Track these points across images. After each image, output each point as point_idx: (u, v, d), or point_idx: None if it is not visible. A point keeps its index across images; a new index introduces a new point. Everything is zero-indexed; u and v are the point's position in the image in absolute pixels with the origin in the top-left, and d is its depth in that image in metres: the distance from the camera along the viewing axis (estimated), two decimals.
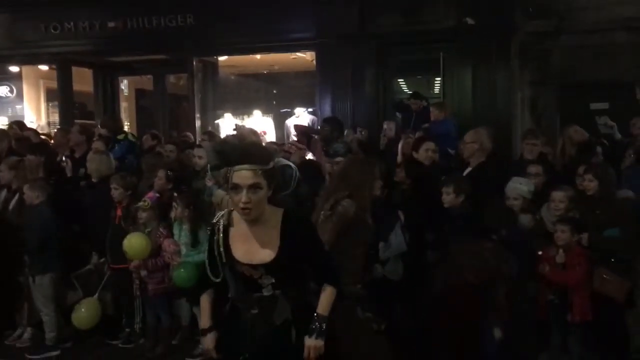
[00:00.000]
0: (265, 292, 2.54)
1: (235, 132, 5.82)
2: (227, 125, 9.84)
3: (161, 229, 5.12)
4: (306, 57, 10.27)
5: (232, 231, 2.57)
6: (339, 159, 4.72)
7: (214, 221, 2.63)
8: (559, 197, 4.48)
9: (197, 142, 7.44)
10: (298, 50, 9.98)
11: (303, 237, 2.54)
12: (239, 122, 10.00)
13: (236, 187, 2.43)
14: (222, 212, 2.64)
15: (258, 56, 10.57)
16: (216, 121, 10.20)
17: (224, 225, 2.59)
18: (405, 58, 9.13)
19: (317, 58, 9.22)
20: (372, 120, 8.45)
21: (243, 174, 2.42)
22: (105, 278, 5.35)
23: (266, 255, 2.50)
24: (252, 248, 2.52)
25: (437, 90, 10.63)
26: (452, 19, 8.20)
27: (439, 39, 8.47)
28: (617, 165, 5.06)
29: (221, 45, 9.49)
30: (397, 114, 8.25)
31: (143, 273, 5.09)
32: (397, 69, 9.41)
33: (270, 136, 10.26)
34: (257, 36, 8.97)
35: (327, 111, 8.97)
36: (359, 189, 3.62)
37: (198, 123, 9.88)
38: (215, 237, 2.59)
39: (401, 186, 4.94)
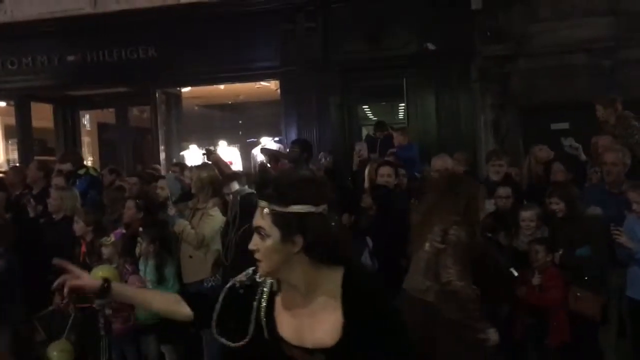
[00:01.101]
0: None
1: (205, 158, 5.74)
2: (192, 156, 9.74)
3: (127, 265, 4.97)
4: (270, 86, 10.28)
5: (278, 299, 1.81)
6: None
7: (256, 277, 1.83)
8: (529, 216, 4.52)
9: (166, 174, 7.33)
10: (262, 80, 9.99)
11: (371, 316, 1.70)
12: (211, 147, 9.89)
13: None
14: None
15: (222, 86, 10.54)
16: (181, 153, 10.08)
17: (272, 290, 1.82)
18: (369, 84, 9.21)
19: (282, 86, 9.22)
20: (338, 146, 8.46)
21: (257, 212, 1.75)
22: (71, 318, 5.15)
23: (325, 336, 1.71)
24: (303, 324, 1.75)
25: (401, 115, 10.76)
26: (414, 45, 8.33)
27: (402, 64, 8.58)
28: (583, 184, 5.14)
29: (184, 76, 9.42)
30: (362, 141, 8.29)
31: (107, 312, 4.91)
32: (362, 95, 9.49)
33: (237, 166, 10.18)
34: (220, 66, 8.94)
35: (292, 139, 8.94)
36: (468, 212, 3.44)
37: (162, 155, 9.75)
38: (253, 301, 1.81)
39: (368, 212, 4.91)
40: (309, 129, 8.92)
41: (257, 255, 1.72)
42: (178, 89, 10.30)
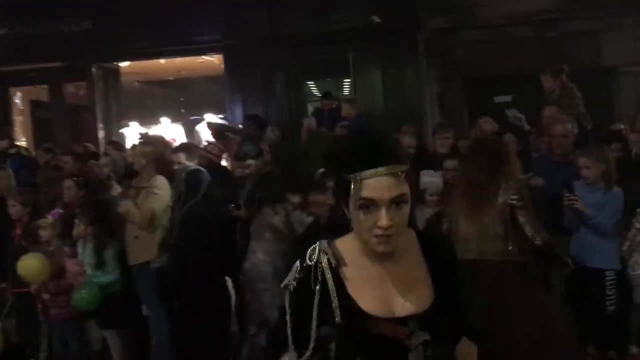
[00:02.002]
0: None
1: (139, 142, 5.50)
2: (133, 134, 9.38)
3: (65, 248, 4.72)
4: (214, 60, 9.99)
5: (347, 273, 1.60)
6: (249, 161, 4.54)
7: (308, 262, 1.60)
8: None
9: (102, 153, 7.03)
10: (205, 54, 9.70)
11: (451, 268, 1.69)
12: (145, 130, 9.56)
13: (368, 205, 1.50)
14: (316, 246, 1.62)
15: (162, 61, 10.17)
16: (121, 130, 9.70)
17: (332, 266, 1.59)
18: (316, 59, 9.08)
19: (226, 61, 8.98)
20: (284, 123, 8.32)
21: (380, 182, 1.48)
22: (9, 304, 4.89)
23: (418, 301, 1.60)
24: (391, 295, 1.60)
25: (346, 91, 10.70)
26: (359, 18, 8.24)
27: (348, 38, 8.49)
28: (528, 154, 5.19)
29: (122, 50, 9.04)
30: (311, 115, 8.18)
31: (45, 297, 4.67)
32: (308, 70, 9.36)
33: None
34: (161, 40, 8.63)
35: (238, 116, 8.76)
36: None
37: (101, 133, 9.38)
38: (316, 287, 1.57)
39: None
40: (255, 105, 8.75)
41: (389, 232, 1.49)
42: (116, 63, 9.88)
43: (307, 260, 1.59)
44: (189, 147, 5.02)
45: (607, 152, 4.24)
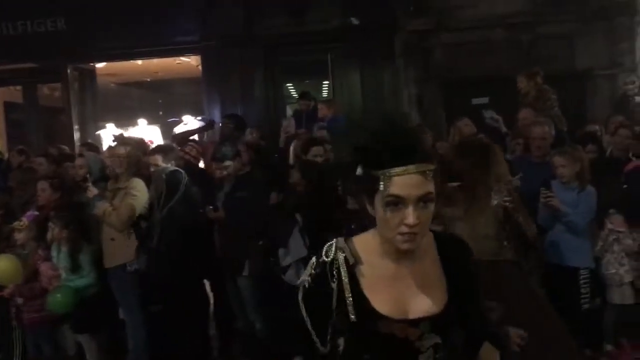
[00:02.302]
0: None
1: (115, 143, 5.41)
2: (109, 136, 9.25)
3: (40, 251, 4.63)
4: (191, 62, 9.91)
5: (363, 271, 1.59)
6: (227, 162, 4.50)
7: (324, 258, 1.60)
8: (453, 188, 4.55)
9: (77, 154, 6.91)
10: (182, 55, 9.61)
11: (467, 271, 1.67)
12: (122, 132, 9.44)
13: (396, 202, 1.49)
14: (333, 243, 1.62)
15: (139, 62, 10.05)
16: (97, 132, 9.56)
17: (348, 264, 1.58)
18: (294, 60, 9.06)
19: (203, 62, 8.91)
20: (263, 124, 8.28)
21: (409, 180, 1.48)
22: None
23: (431, 303, 1.59)
24: (405, 296, 1.60)
25: (325, 93, 10.69)
26: (337, 19, 8.24)
27: (326, 39, 8.49)
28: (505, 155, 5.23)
29: (98, 51, 8.89)
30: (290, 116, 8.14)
31: (19, 301, 4.57)
32: (286, 71, 9.33)
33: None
34: (137, 40, 8.50)
35: (216, 118, 8.68)
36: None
37: (77, 135, 9.22)
38: (332, 285, 1.58)
39: (296, 188, 4.79)
40: (233, 106, 8.69)
41: (415, 229, 1.49)
42: (92, 64, 9.73)
43: (324, 257, 1.59)
44: (166, 149, 4.97)
45: (582, 152, 4.32)
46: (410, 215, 1.48)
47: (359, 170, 1.55)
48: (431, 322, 1.58)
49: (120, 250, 4.49)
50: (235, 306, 4.70)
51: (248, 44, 8.42)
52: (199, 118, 9.80)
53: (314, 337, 1.61)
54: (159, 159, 4.66)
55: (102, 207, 4.40)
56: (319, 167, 4.87)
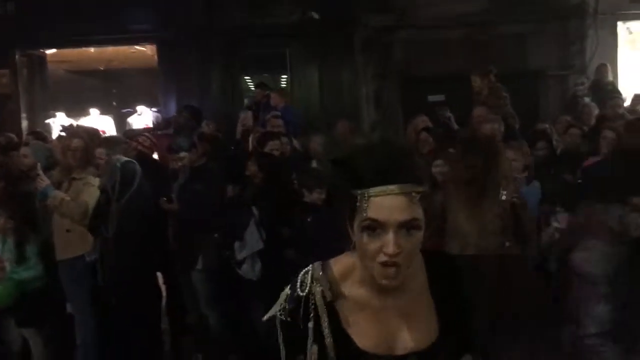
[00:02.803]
0: None
1: (64, 134, 5.23)
2: (59, 125, 8.98)
3: None
4: (147, 51, 9.70)
5: (343, 305, 1.42)
6: (183, 154, 4.42)
7: (299, 292, 1.43)
8: None
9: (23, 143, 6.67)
10: (137, 44, 9.39)
11: (459, 294, 1.48)
12: (74, 122, 9.17)
13: (374, 227, 1.31)
14: (308, 273, 1.44)
15: (92, 50, 9.78)
16: (47, 121, 9.26)
17: (326, 300, 1.41)
18: (252, 52, 8.97)
19: (159, 52, 8.72)
20: (220, 117, 8.17)
21: (390, 202, 1.29)
22: None
23: (419, 336, 1.42)
24: (390, 330, 1.42)
25: (284, 87, 10.65)
26: (297, 13, 8.20)
27: (285, 33, 8.43)
28: None
29: (48, 36, 8.59)
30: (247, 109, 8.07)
31: None
32: (245, 66, 9.23)
33: None
34: (90, 27, 8.26)
35: (172, 110, 8.54)
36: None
37: (25, 123, 8.91)
38: (308, 324, 1.41)
39: (253, 181, 4.75)
40: (189, 98, 8.55)
41: (396, 259, 1.29)
42: (41, 51, 9.40)
43: (299, 290, 1.42)
44: (110, 140, 4.84)
45: (527, 148, 4.49)
46: (390, 243, 1.29)
47: (336, 188, 1.40)
48: (419, 358, 1.42)
49: (76, 241, 4.35)
50: (188, 300, 4.63)
51: (206, 34, 8.29)
52: (155, 109, 9.65)
53: None
54: (102, 152, 4.55)
55: (57, 197, 4.25)
56: (276, 160, 4.84)
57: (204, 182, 4.44)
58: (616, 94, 6.97)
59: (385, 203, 1.29)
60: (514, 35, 7.93)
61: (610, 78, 7.64)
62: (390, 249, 1.28)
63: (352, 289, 1.42)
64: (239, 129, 6.43)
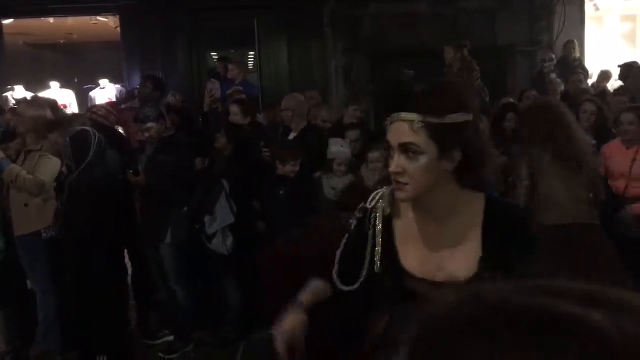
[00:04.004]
0: None
1: (16, 108, 5.01)
2: (18, 98, 8.65)
3: None
4: (109, 22, 9.37)
5: (399, 225, 1.62)
6: (150, 124, 4.27)
7: (368, 205, 1.65)
8: (376, 157, 4.56)
9: None
10: (98, 14, 9.05)
11: (519, 246, 1.52)
12: (31, 94, 8.84)
13: (389, 148, 1.54)
14: (381, 192, 1.65)
15: (51, 20, 9.39)
16: (5, 94, 8.91)
17: (384, 215, 1.61)
18: (219, 26, 8.75)
19: (122, 24, 8.43)
20: (186, 91, 7.97)
21: (396, 128, 1.50)
22: None
23: (459, 268, 1.53)
24: (434, 255, 1.57)
25: (251, 65, 10.46)
26: None
27: (252, 6, 8.24)
28: None
29: (3, 5, 8.21)
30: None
31: None
32: (211, 40, 9.01)
33: (73, 110, 9.27)
34: None
35: (136, 84, 8.28)
36: None
37: None
38: (368, 231, 1.62)
39: (223, 153, 4.64)
40: (154, 73, 8.30)
41: (401, 178, 1.48)
42: None
43: (368, 203, 1.66)
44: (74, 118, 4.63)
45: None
46: (392, 161, 1.50)
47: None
48: (456, 288, 1.42)
49: (36, 216, 4.19)
50: (156, 275, 4.51)
51: (171, 6, 8.03)
52: (118, 86, 9.36)
53: (334, 275, 1.67)
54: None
55: (13, 170, 4.06)
56: (246, 132, 4.75)
57: (172, 154, 4.29)
58: (579, 70, 7.04)
59: (393, 128, 1.51)
60: (483, 10, 7.90)
61: (578, 55, 7.70)
62: (392, 167, 1.50)
63: (408, 212, 1.61)
64: (207, 100, 6.25)
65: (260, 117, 5.97)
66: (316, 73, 8.49)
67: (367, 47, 7.84)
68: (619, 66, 6.29)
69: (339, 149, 4.58)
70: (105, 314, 4.01)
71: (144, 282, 4.70)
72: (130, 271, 4.81)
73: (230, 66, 6.93)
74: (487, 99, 5.70)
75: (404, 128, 1.47)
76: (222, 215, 4.32)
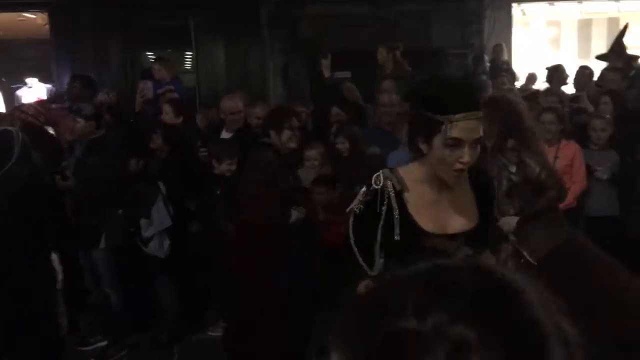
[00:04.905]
0: None
1: None
2: None
3: None
4: (37, 19, 9.00)
5: (408, 196, 1.93)
6: (79, 120, 4.14)
7: (374, 186, 1.92)
8: (313, 155, 4.59)
9: None
10: (25, 10, 8.67)
11: (491, 199, 2.13)
12: None
13: (455, 144, 1.80)
14: (379, 174, 1.94)
15: None
16: None
17: (396, 191, 1.91)
18: (153, 25, 8.57)
19: (51, 21, 8.13)
20: (120, 93, 7.75)
21: (469, 125, 1.79)
22: None
23: (465, 221, 1.98)
24: (444, 215, 1.96)
25: (188, 65, 10.30)
26: None
27: (188, 5, 8.12)
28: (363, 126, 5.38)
29: None
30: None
31: None
32: (146, 39, 8.81)
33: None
34: None
35: (66, 84, 8.01)
36: None
37: None
38: (382, 208, 1.89)
39: (158, 154, 4.56)
40: (85, 72, 8.04)
41: (467, 166, 1.85)
42: None
43: (374, 185, 1.90)
44: None
45: None
46: (466, 155, 1.81)
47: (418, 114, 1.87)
48: (465, 236, 1.96)
49: None
50: (89, 279, 4.39)
51: (102, 3, 7.81)
52: (49, 85, 9.00)
53: (360, 261, 1.92)
54: None
55: None
56: (182, 132, 4.69)
57: (101, 156, 4.17)
58: (504, 73, 7.33)
59: (466, 126, 1.78)
60: (417, 13, 8.08)
61: (505, 57, 8.00)
62: (467, 159, 1.81)
63: (415, 185, 1.92)
64: (138, 100, 6.07)
65: (198, 118, 5.87)
66: (253, 73, 8.47)
67: (304, 48, 7.87)
68: (547, 68, 6.58)
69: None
70: (33, 319, 3.87)
71: (74, 286, 4.55)
72: (60, 276, 4.65)
73: (156, 67, 6.53)
74: None
75: (476, 125, 1.80)
76: (159, 218, 4.25)
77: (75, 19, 7.83)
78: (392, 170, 1.97)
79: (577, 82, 5.91)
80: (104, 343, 4.44)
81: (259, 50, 8.37)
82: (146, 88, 6.08)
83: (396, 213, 1.87)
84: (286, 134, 4.00)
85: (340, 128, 4.80)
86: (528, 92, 6.30)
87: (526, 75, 7.92)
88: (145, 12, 8.13)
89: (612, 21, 9.45)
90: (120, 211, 4.28)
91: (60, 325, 4.46)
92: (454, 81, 2.08)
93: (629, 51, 6.25)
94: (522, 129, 3.22)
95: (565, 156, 4.30)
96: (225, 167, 4.19)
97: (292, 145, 4.01)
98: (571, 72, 6.40)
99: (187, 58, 10.47)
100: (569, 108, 5.56)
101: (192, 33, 8.42)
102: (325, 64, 5.42)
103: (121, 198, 4.27)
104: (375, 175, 1.93)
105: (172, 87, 5.94)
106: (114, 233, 4.21)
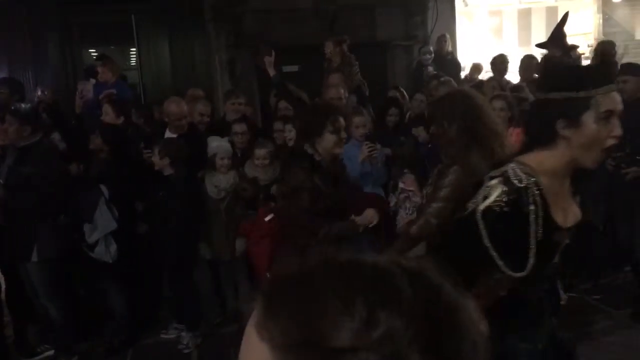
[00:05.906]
0: (555, 260, 1.93)
1: None
2: None
3: None
4: None
5: (546, 192, 1.81)
6: (10, 118, 3.95)
7: (517, 185, 1.75)
8: (262, 154, 4.57)
9: None
10: None
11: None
12: None
13: (608, 117, 1.72)
14: (515, 169, 1.77)
15: None
16: None
17: (539, 187, 1.77)
18: (94, 21, 8.33)
19: None
20: (60, 91, 7.51)
21: (616, 96, 1.75)
22: None
23: (576, 212, 1.91)
24: (567, 207, 1.89)
25: (133, 62, 10.07)
26: None
27: (129, 0, 7.91)
28: None
29: None
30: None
31: None
32: (86, 35, 8.55)
33: None
34: None
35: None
36: None
37: None
38: (530, 207, 1.74)
39: (99, 155, 4.43)
40: (23, 71, 7.77)
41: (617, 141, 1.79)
42: None
43: (517, 183, 1.75)
44: None
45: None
46: (617, 126, 1.73)
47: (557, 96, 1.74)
48: (575, 228, 1.90)
49: None
50: (28, 291, 4.20)
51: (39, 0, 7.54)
52: None
53: (498, 261, 1.75)
54: None
55: None
56: (122, 131, 4.58)
57: (34, 163, 3.89)
58: (453, 64, 7.45)
59: (612, 97, 1.73)
60: (362, 6, 8.11)
61: (450, 48, 8.11)
62: (620, 131, 1.73)
63: (545, 179, 1.79)
64: (78, 101, 5.83)
65: (134, 116, 5.60)
66: (199, 68, 8.35)
67: (250, 42, 7.78)
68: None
69: (219, 143, 4.55)
70: None
71: (19, 295, 4.39)
72: (3, 286, 4.50)
73: (99, 68, 6.14)
74: (367, 93, 5.87)
75: (618, 96, 1.75)
76: (103, 222, 4.14)
77: (11, 16, 7.53)
78: (519, 163, 1.80)
79: (523, 71, 6.01)
80: (51, 352, 4.31)
81: (205, 45, 8.24)
82: (86, 89, 5.85)
83: (541, 212, 1.75)
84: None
85: (287, 118, 4.82)
86: (473, 83, 6.41)
87: (471, 65, 8.06)
88: (82, 8, 7.86)
89: (551, 10, 9.72)
90: (62, 217, 4.12)
91: (5, 335, 4.31)
92: (577, 60, 2.27)
93: (568, 40, 6.42)
94: (484, 123, 2.74)
95: (514, 143, 4.38)
96: (163, 162, 4.13)
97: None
98: (512, 61, 6.54)
99: (132, 54, 10.24)
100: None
101: (134, 29, 8.20)
102: (269, 61, 5.35)
103: (62, 205, 4.11)
104: (511, 171, 1.78)
105: (113, 91, 5.64)
106: (47, 245, 3.94)
